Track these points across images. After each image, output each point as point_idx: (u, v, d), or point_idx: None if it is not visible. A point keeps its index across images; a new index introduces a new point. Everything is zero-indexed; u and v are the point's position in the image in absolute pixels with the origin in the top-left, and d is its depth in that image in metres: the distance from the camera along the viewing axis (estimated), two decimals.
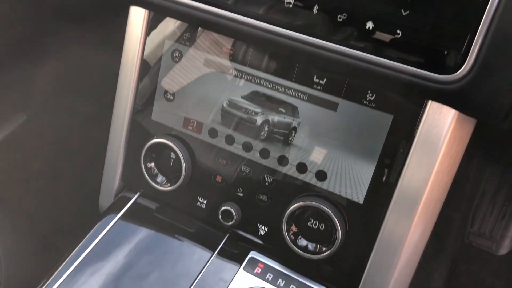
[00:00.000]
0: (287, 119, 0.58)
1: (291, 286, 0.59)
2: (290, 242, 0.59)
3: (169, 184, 0.65)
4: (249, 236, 0.63)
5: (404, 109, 0.52)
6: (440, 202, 0.57)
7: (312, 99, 0.56)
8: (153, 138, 0.64)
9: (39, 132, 0.80)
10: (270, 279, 0.59)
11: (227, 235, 0.65)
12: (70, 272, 0.60)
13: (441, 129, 0.51)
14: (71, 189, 0.87)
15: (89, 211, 0.74)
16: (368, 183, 0.55)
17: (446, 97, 0.49)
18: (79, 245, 0.63)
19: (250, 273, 0.60)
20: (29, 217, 0.82)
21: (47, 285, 0.59)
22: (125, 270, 0.61)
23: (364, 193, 0.55)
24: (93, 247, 0.63)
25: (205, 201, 0.65)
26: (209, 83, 0.61)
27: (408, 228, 0.54)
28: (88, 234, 0.65)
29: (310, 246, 0.58)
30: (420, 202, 0.53)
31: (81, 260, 0.61)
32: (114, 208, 0.69)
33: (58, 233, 0.81)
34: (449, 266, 1.07)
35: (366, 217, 0.56)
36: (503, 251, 1.09)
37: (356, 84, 0.53)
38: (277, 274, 0.60)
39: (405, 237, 0.55)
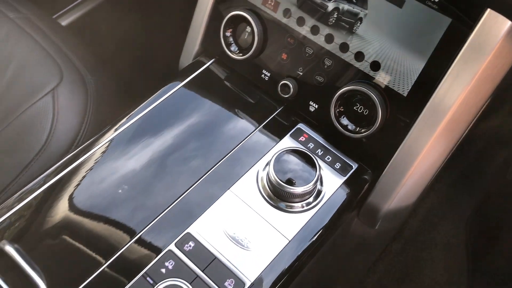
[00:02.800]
0: (356, 9, 0.64)
1: (327, 156, 0.68)
2: (334, 119, 0.67)
3: (241, 54, 0.75)
4: (300, 111, 0.72)
5: (463, 15, 0.57)
6: (472, 115, 0.63)
7: None
8: (234, 10, 0.73)
9: None
10: (310, 147, 0.69)
11: (282, 107, 0.74)
12: (125, 128, 0.70)
13: (493, 37, 0.55)
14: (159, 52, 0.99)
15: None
16: (415, 79, 0.61)
17: (504, 6, 0.53)
18: (143, 103, 0.74)
19: (295, 139, 0.70)
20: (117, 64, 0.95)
21: (95, 137, 0.70)
22: (178, 127, 0.71)
23: (410, 87, 0.62)
24: (157, 104, 0.73)
25: (268, 74, 0.74)
26: None
27: (431, 133, 0.61)
28: (160, 90, 0.75)
29: (350, 126, 0.67)
30: (453, 107, 0.60)
31: (142, 115, 0.72)
32: (189, 69, 0.79)
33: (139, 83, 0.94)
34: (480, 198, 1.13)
35: (406, 110, 0.63)
36: None
37: None
38: (317, 145, 0.69)
39: (430, 136, 0.62)
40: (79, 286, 0.57)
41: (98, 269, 0.58)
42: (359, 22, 0.64)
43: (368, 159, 0.68)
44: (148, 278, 0.57)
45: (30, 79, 0.85)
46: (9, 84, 0.84)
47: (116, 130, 0.70)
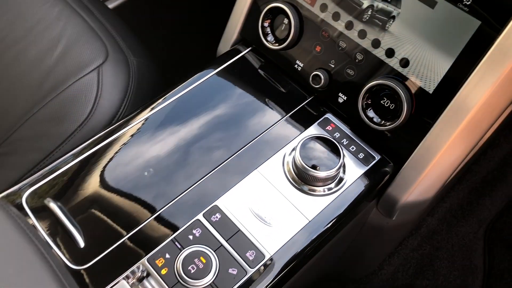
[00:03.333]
0: (389, 8, 0.67)
1: (352, 146, 0.72)
2: (361, 111, 0.71)
3: (277, 44, 0.79)
4: (329, 102, 0.76)
5: (491, 18, 0.59)
6: (494, 117, 0.65)
7: None
8: (274, 2, 0.77)
9: None
10: (336, 136, 0.73)
11: (312, 97, 0.78)
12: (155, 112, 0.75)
13: None
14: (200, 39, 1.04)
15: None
16: (441, 77, 0.64)
17: None
18: (179, 87, 0.79)
19: (322, 128, 0.74)
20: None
21: (133, 115, 0.75)
22: (211, 110, 0.75)
23: (436, 85, 0.65)
24: (192, 88, 0.78)
25: (301, 65, 0.78)
26: None
27: (453, 130, 0.64)
28: (196, 75, 0.80)
29: (376, 119, 0.70)
30: (475, 107, 0.62)
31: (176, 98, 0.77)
32: (226, 56, 0.84)
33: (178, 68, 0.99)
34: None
35: (430, 106, 0.66)
36: None
37: None
38: (343, 135, 0.73)
39: (451, 134, 0.65)
40: (113, 245, 0.62)
41: (131, 231, 0.63)
42: (392, 20, 0.67)
43: (390, 151, 0.71)
44: (176, 243, 0.62)
45: (79, 55, 0.91)
46: (58, 59, 0.90)
47: (152, 109, 0.75)
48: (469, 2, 0.61)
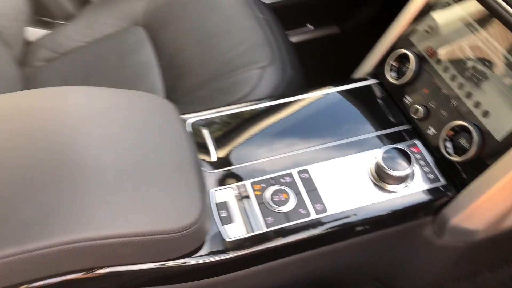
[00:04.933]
0: (486, 70, 0.86)
1: (425, 167, 0.90)
2: (441, 142, 0.90)
3: (396, 80, 1.02)
4: (420, 131, 0.96)
5: None
6: None
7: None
8: (405, 49, 1.00)
9: None
10: (416, 156, 0.92)
11: (410, 126, 0.98)
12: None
13: None
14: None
15: None
16: (510, 130, 0.81)
17: None
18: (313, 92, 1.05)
19: (407, 147, 0.93)
20: None
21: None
22: (329, 111, 1.01)
23: (504, 135, 0.82)
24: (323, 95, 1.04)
25: (409, 99, 0.99)
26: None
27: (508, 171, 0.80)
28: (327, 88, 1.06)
29: (450, 150, 0.88)
30: None
31: None
32: (356, 80, 1.08)
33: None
34: None
35: (495, 150, 0.83)
36: None
37: None
38: (422, 157, 0.92)
39: (506, 176, 0.80)
40: (234, 165, 0.89)
41: (248, 162, 0.89)
42: (485, 80, 0.86)
43: (455, 178, 0.88)
44: (271, 180, 0.87)
45: (253, 55, 1.24)
46: (240, 53, 1.24)
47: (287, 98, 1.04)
48: None
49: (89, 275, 0.70)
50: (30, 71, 1.42)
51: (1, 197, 0.65)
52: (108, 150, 0.74)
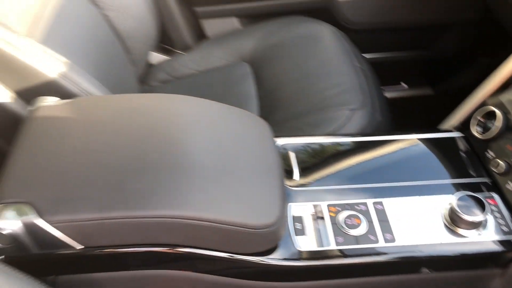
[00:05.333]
0: None
1: (500, 219, 0.92)
2: None
3: (481, 135, 1.05)
4: (500, 186, 0.98)
5: None
6: None
7: None
8: (494, 107, 1.05)
9: None
10: (492, 209, 0.94)
11: (490, 180, 1.01)
12: None
13: None
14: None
15: None
16: None
17: None
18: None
19: (484, 198, 0.95)
20: None
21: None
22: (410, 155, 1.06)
23: None
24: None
25: (492, 154, 1.02)
26: None
27: None
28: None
29: None
30: None
31: None
32: (444, 131, 1.14)
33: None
34: None
35: None
36: None
37: None
38: (498, 210, 0.94)
39: None
40: (315, 187, 0.98)
41: (330, 186, 0.98)
42: None
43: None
44: (347, 206, 0.94)
45: (346, 97, 1.34)
46: (334, 94, 1.35)
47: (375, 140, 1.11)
48: None
49: (171, 250, 0.80)
50: (147, 89, 1.63)
51: (119, 170, 0.79)
52: (211, 150, 0.86)
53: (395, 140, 1.10)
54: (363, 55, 1.63)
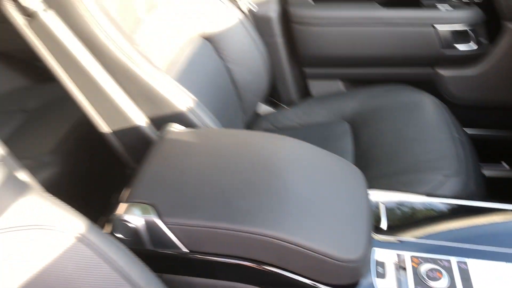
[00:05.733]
0: None
1: None
2: None
3: None
4: None
5: None
6: None
7: None
8: None
9: None
10: None
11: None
12: None
13: None
14: None
15: None
16: None
17: None
18: None
19: None
20: None
21: None
22: None
23: None
24: None
25: None
26: None
27: None
28: None
29: None
30: None
31: None
32: None
33: None
34: None
35: None
36: None
37: None
38: None
39: None
40: (396, 238, 1.03)
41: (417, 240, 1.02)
42: None
43: None
44: (430, 259, 0.97)
45: (437, 160, 1.38)
46: (418, 152, 1.40)
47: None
48: None
49: (258, 267, 0.89)
50: None
51: (229, 190, 0.92)
52: (307, 184, 0.96)
53: (489, 208, 1.12)
54: (464, 129, 1.66)
